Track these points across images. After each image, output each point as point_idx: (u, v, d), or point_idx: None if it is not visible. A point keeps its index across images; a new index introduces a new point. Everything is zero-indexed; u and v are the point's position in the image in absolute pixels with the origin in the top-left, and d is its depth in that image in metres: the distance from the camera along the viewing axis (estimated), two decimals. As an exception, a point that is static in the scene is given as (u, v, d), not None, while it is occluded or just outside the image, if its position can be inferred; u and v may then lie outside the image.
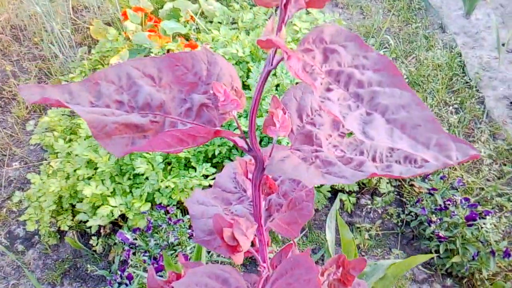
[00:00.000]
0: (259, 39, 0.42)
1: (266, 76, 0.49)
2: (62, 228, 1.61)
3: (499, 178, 1.76)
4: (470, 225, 1.35)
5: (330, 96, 0.42)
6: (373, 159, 0.54)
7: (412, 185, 1.76)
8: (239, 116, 1.66)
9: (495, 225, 1.37)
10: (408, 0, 2.92)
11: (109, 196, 1.50)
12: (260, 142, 1.64)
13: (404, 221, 1.67)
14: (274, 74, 1.71)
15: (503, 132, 1.94)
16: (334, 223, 1.29)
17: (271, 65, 0.48)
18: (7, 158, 2.14)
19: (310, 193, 0.75)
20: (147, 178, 1.54)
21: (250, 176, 0.69)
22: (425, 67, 2.29)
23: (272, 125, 0.55)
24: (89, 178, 1.57)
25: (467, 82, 2.22)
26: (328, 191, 1.66)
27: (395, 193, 1.78)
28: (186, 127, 0.53)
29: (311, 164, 0.51)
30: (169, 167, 1.59)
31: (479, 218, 1.39)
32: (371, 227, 1.67)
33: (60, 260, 1.69)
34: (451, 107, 2.07)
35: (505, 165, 1.80)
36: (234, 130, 1.60)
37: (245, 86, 1.79)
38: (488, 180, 1.74)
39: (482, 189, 1.69)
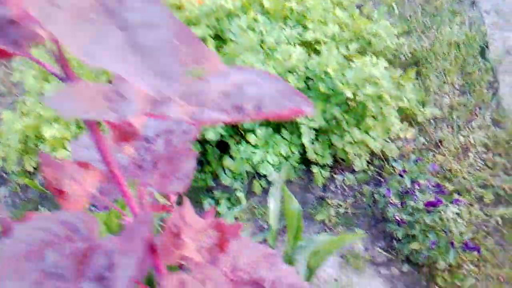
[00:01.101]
0: None
1: None
2: (27, 168, 1.62)
3: (491, 169, 1.61)
4: (429, 212, 1.24)
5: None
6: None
7: (393, 166, 1.63)
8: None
9: (457, 214, 1.24)
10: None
11: (68, 140, 1.48)
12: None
13: (377, 202, 1.57)
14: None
15: (508, 121, 1.76)
16: (279, 192, 1.21)
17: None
18: None
19: (190, 151, 0.68)
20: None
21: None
22: (440, 44, 2.10)
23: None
24: (55, 121, 1.55)
25: (484, 65, 2.02)
26: (298, 163, 1.57)
27: (375, 172, 1.66)
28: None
29: (107, 100, 0.44)
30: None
31: (446, 206, 1.27)
32: (341, 204, 1.58)
33: (26, 200, 1.71)
34: (455, 90, 1.90)
35: (500, 155, 1.63)
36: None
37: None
38: (477, 169, 1.59)
39: (465, 178, 1.55)
